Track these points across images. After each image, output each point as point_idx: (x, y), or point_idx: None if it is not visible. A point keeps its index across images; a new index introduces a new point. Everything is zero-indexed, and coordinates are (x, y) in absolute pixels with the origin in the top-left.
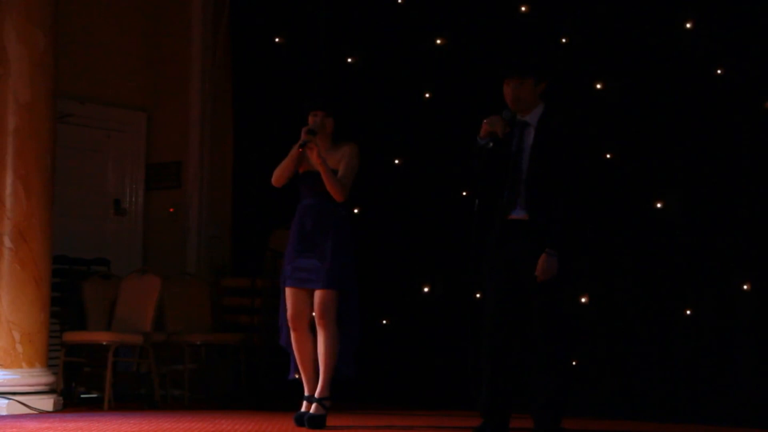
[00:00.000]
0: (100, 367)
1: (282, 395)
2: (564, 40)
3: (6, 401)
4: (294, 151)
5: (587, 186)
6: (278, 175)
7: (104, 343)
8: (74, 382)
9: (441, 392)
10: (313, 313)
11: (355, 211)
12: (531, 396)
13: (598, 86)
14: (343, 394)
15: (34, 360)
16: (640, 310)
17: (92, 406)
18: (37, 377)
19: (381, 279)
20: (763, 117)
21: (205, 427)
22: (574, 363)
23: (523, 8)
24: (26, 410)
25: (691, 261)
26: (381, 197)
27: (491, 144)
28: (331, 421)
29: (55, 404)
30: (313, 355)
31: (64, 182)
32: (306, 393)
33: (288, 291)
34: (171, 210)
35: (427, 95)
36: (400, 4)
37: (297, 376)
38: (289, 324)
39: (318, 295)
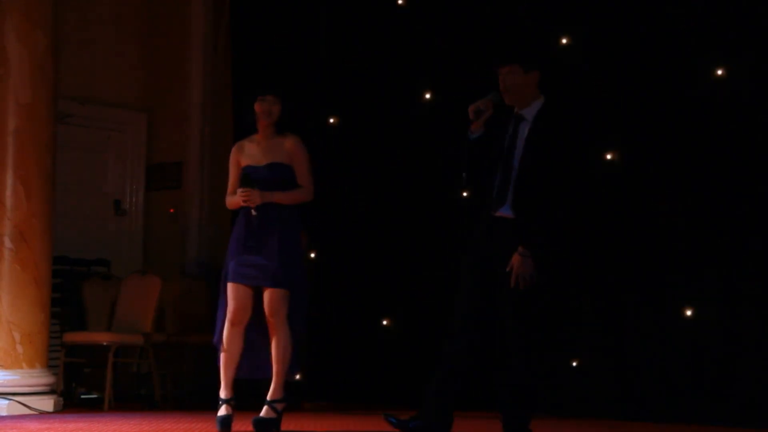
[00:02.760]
0: (101, 367)
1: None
2: (565, 41)
3: (6, 402)
4: (237, 200)
5: (577, 187)
6: (230, 207)
7: (104, 343)
8: (74, 382)
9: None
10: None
11: (357, 212)
12: (500, 396)
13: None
14: (328, 395)
15: (35, 360)
16: (640, 310)
17: (92, 407)
18: (38, 378)
19: (380, 279)
20: (764, 116)
21: (205, 428)
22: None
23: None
24: (26, 411)
25: (691, 261)
26: (381, 198)
27: (478, 135)
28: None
29: (55, 405)
30: (239, 357)
31: (64, 183)
32: (225, 396)
33: (232, 286)
34: (171, 210)
35: (427, 96)
36: (400, 5)
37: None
38: (230, 318)
39: (268, 294)
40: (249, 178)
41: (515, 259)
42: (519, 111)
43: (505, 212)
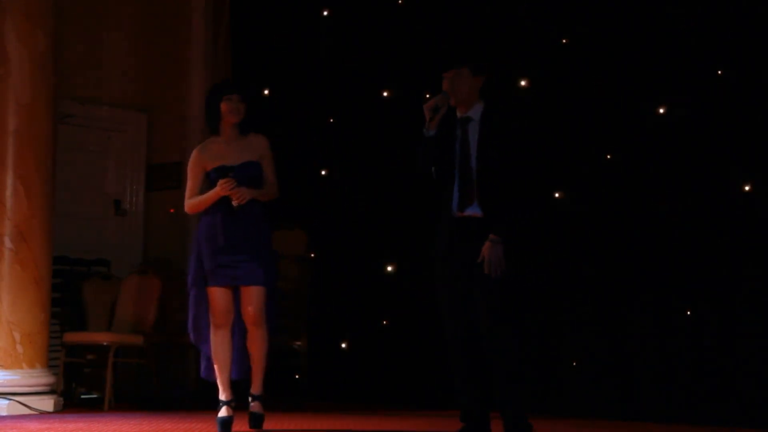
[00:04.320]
0: (101, 367)
1: (282, 394)
2: (565, 41)
3: (6, 402)
4: (212, 197)
5: (537, 179)
6: (195, 209)
7: (104, 343)
8: (75, 382)
9: (425, 392)
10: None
11: (357, 212)
12: (495, 395)
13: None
14: (329, 395)
15: (35, 360)
16: (640, 310)
17: (92, 407)
18: (38, 378)
19: (380, 279)
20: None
21: (205, 428)
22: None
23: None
24: (26, 411)
25: (691, 261)
26: (381, 198)
27: (434, 132)
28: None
29: (55, 405)
30: (233, 356)
31: (64, 183)
32: (225, 398)
33: (214, 290)
34: (171, 210)
35: (428, 96)
36: (400, 5)
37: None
38: (215, 322)
39: (254, 292)
40: (228, 173)
41: (486, 247)
42: (465, 113)
43: (473, 212)
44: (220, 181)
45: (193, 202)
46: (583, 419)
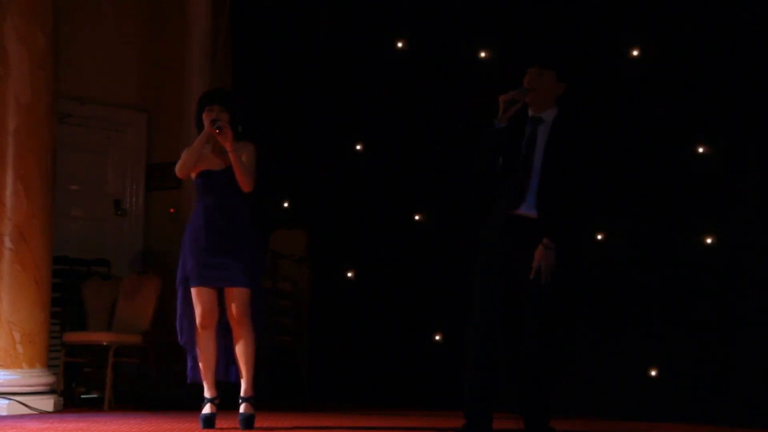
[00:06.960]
0: (101, 367)
1: (282, 394)
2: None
3: (6, 401)
4: (200, 141)
5: (596, 189)
6: (186, 166)
7: (104, 343)
8: (74, 382)
9: (424, 392)
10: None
11: (356, 211)
12: (520, 397)
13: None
14: (325, 394)
15: (35, 360)
16: (640, 310)
17: (92, 407)
18: (38, 377)
19: (380, 280)
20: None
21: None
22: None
23: None
24: (26, 410)
25: (690, 261)
26: (378, 197)
27: (505, 125)
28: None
29: (55, 404)
30: (217, 356)
31: (64, 182)
32: (209, 395)
33: (197, 290)
34: (171, 210)
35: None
36: (399, 6)
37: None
38: (200, 322)
39: (237, 293)
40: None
41: (539, 251)
42: (537, 113)
43: (525, 211)
44: (212, 119)
45: (180, 161)
46: (583, 419)
